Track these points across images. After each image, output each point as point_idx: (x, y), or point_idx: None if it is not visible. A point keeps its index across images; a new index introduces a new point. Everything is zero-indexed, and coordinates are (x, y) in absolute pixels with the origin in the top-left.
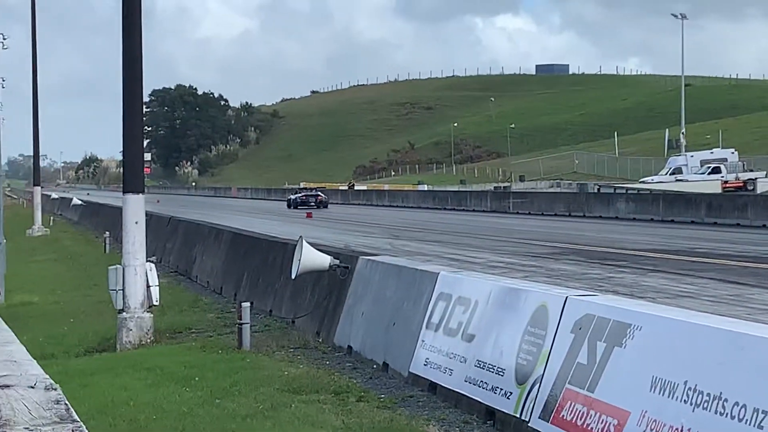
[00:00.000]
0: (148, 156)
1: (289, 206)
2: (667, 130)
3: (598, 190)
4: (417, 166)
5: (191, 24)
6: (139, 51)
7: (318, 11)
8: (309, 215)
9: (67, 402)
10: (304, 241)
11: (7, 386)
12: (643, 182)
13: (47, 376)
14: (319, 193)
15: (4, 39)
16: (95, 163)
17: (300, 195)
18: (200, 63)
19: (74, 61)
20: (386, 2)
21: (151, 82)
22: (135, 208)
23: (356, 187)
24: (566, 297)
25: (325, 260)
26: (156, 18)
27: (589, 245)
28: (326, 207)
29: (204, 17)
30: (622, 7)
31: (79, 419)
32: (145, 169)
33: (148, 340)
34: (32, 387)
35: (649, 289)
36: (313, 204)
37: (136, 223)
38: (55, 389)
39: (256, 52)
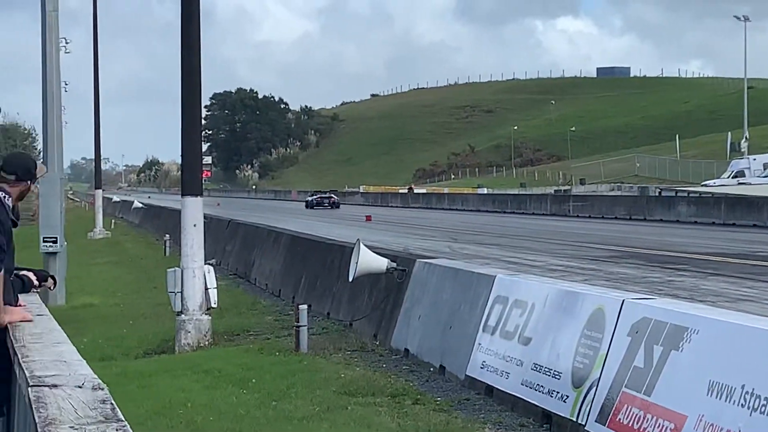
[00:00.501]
0: (208, 159)
1: (307, 207)
2: (729, 133)
3: (659, 193)
4: (477, 169)
5: (251, 27)
6: (198, 57)
7: (378, 14)
8: (368, 218)
9: (113, 402)
10: (361, 243)
11: (56, 386)
12: (705, 185)
13: (95, 377)
14: (332, 195)
15: (67, 43)
16: (156, 167)
17: (315, 197)
18: (260, 66)
19: (136, 64)
20: (446, 5)
21: (211, 86)
22: (193, 211)
23: (415, 191)
24: (623, 300)
25: (382, 263)
26: (216, 21)
27: (649, 248)
28: (338, 207)
29: (264, 20)
30: (684, 10)
31: (123, 419)
32: (205, 173)
33: (207, 342)
34: (80, 387)
35: (708, 292)
36: (327, 205)
37: (195, 225)
38: (102, 389)
39: (316, 54)
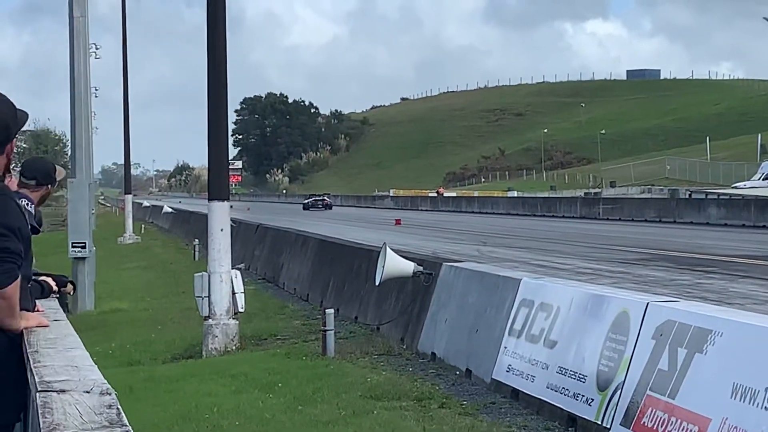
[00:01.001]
0: (239, 164)
1: (304, 208)
2: (759, 135)
3: (690, 195)
4: (507, 172)
5: (281, 31)
6: (224, 62)
7: (407, 17)
8: (398, 222)
9: (119, 407)
10: (387, 247)
11: (64, 391)
12: (736, 187)
13: (105, 381)
14: (325, 198)
15: (97, 49)
16: (187, 171)
17: (311, 200)
18: (290, 70)
19: (166, 69)
20: (475, 8)
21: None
22: (220, 216)
23: (445, 194)
24: (647, 303)
25: (408, 267)
26: (245, 26)
27: (679, 251)
28: (330, 208)
29: (293, 24)
30: (714, 11)
31: (127, 424)
32: (236, 177)
33: (234, 347)
34: (88, 392)
35: (737, 295)
36: (320, 206)
37: (222, 230)
38: (110, 394)
39: (345, 58)
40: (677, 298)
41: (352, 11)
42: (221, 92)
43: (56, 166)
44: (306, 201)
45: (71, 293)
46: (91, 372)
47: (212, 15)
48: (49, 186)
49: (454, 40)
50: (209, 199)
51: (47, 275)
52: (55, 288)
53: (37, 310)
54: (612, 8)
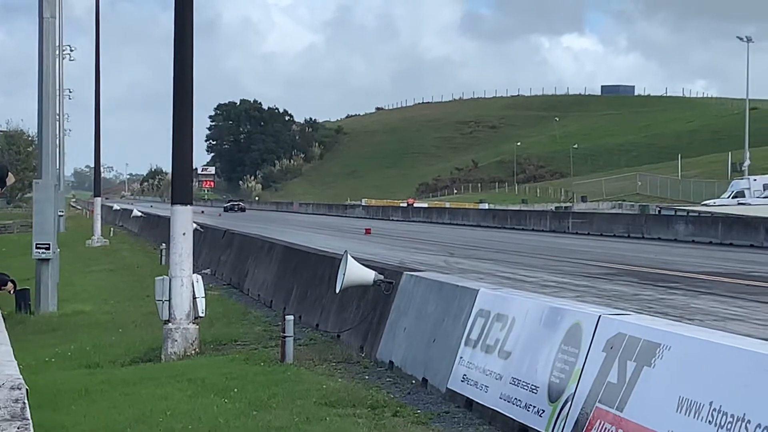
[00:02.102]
0: (212, 170)
1: (224, 211)
2: (729, 153)
3: (659, 211)
4: (480, 184)
5: (257, 38)
6: (190, 63)
7: (384, 28)
8: (368, 231)
9: (25, 401)
10: (349, 255)
11: None
12: (705, 205)
13: (20, 377)
14: (240, 203)
15: (71, 51)
16: (159, 176)
17: (229, 204)
18: (266, 77)
19: (140, 73)
20: (451, 20)
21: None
22: (182, 220)
23: (416, 205)
24: (599, 316)
25: (369, 275)
26: (222, 32)
27: (644, 267)
28: (244, 211)
29: (270, 31)
30: (689, 29)
31: (29, 418)
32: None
33: (193, 351)
34: None
35: (698, 311)
36: (236, 210)
37: (184, 234)
38: (20, 389)
39: (321, 67)
40: (630, 312)
41: (329, 20)
42: (186, 97)
43: (8, 170)
44: (225, 205)
45: (11, 292)
46: (8, 367)
47: (180, 20)
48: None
49: (430, 51)
50: (172, 203)
51: None
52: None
53: None
54: (588, 24)
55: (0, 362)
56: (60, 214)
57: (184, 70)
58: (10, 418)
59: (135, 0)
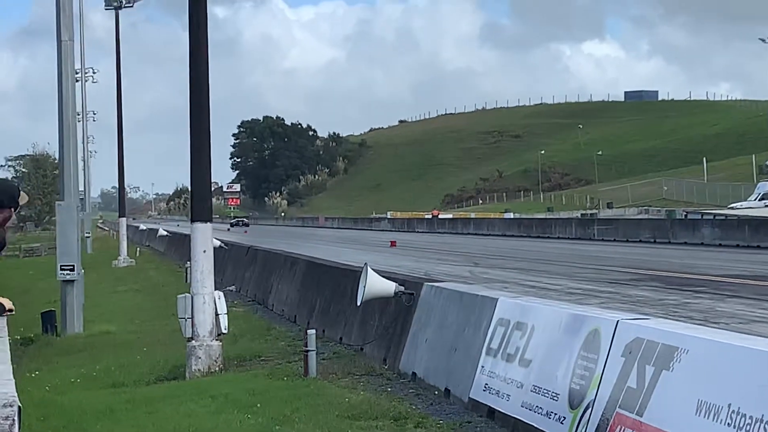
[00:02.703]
0: (237, 187)
1: (230, 227)
2: (755, 155)
3: (686, 216)
4: (505, 194)
5: (278, 54)
6: (206, 82)
7: (404, 40)
8: (393, 244)
9: (16, 419)
10: (369, 268)
11: None
12: (732, 208)
13: (15, 395)
14: (244, 219)
15: (94, 73)
16: (185, 195)
17: (234, 221)
18: (288, 93)
19: (164, 92)
20: (471, 31)
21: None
22: (203, 237)
23: (441, 216)
24: (617, 321)
25: (390, 287)
26: (243, 49)
27: (670, 271)
28: (248, 226)
29: (291, 47)
30: (711, 32)
31: None
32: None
33: (217, 368)
34: None
35: (723, 314)
36: (241, 225)
37: (204, 251)
38: (11, 406)
39: (343, 81)
40: (648, 317)
41: (349, 34)
42: (203, 115)
43: (21, 191)
44: (231, 221)
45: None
46: (5, 386)
47: (194, 41)
48: (12, 209)
49: (451, 63)
50: (192, 221)
51: None
52: (9, 307)
53: None
54: (609, 30)
55: None
56: (87, 235)
57: (200, 89)
58: None
59: (155, 21)
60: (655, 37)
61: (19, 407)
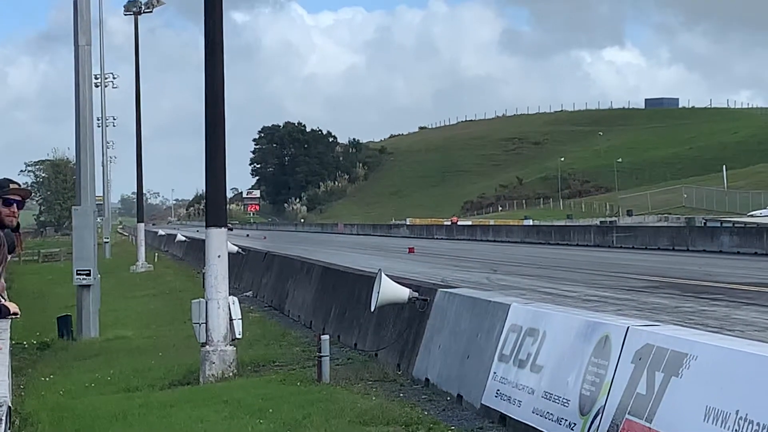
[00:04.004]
0: (257, 193)
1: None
2: None
3: (705, 224)
4: (525, 201)
5: (298, 60)
6: (221, 88)
7: (424, 47)
8: (411, 250)
9: (2, 418)
10: (383, 273)
11: None
12: (752, 216)
13: (6, 396)
14: (228, 224)
15: (114, 78)
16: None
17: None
18: (307, 99)
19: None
20: (491, 38)
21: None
22: (217, 242)
23: (460, 223)
24: (627, 327)
25: (403, 293)
26: (262, 55)
27: (687, 279)
28: (231, 230)
29: (310, 53)
30: (731, 40)
31: None
32: (254, 206)
33: (231, 373)
34: None
35: (739, 322)
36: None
37: (219, 256)
38: (0, 406)
39: (363, 87)
40: (659, 323)
41: (369, 40)
42: (218, 120)
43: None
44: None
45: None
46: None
47: (210, 46)
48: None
49: (471, 70)
50: (206, 226)
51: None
52: (15, 311)
53: None
54: (629, 37)
55: None
56: (105, 240)
57: (216, 96)
58: None
59: (173, 26)
60: (675, 44)
61: (9, 407)
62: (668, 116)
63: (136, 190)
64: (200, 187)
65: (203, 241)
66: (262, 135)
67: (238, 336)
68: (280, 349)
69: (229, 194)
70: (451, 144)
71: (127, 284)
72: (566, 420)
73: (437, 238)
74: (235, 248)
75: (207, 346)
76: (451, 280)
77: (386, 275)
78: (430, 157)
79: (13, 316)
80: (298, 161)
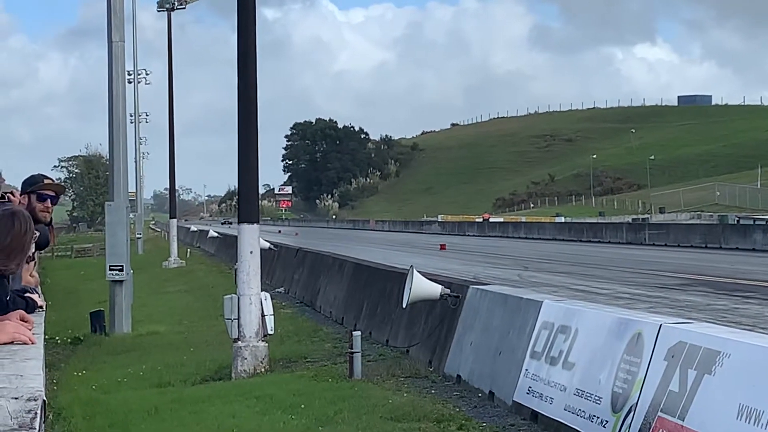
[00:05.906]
0: (288, 189)
1: (222, 224)
2: None
3: (738, 221)
4: (556, 198)
5: (329, 57)
6: (254, 84)
7: (454, 43)
8: (443, 247)
9: (38, 412)
10: (414, 270)
11: None
12: None
13: (41, 390)
14: (230, 220)
15: (147, 75)
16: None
17: (223, 221)
18: (339, 95)
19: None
20: (521, 34)
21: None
22: (250, 238)
23: (491, 220)
24: (660, 325)
25: (435, 289)
26: (293, 52)
27: (720, 276)
28: (231, 224)
29: (341, 50)
30: (764, 36)
31: (36, 428)
32: (286, 203)
33: (263, 369)
34: (16, 398)
35: None
36: (231, 224)
37: (251, 252)
38: (35, 400)
39: (394, 84)
40: (692, 321)
41: (399, 37)
42: (251, 117)
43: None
44: (222, 221)
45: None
46: (33, 380)
47: (243, 42)
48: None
49: (502, 66)
50: (239, 222)
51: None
52: (41, 303)
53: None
54: (660, 33)
55: (27, 375)
56: (138, 236)
57: (248, 92)
58: (18, 427)
59: (204, 22)
60: (707, 40)
61: (44, 401)
62: (701, 113)
63: (168, 186)
64: (232, 183)
65: (235, 237)
66: (294, 131)
67: (270, 332)
68: (312, 345)
69: (261, 190)
70: (483, 140)
71: (159, 280)
72: (598, 417)
73: (469, 235)
74: (267, 244)
75: (239, 342)
76: (482, 277)
77: (418, 272)
78: (461, 153)
79: (39, 310)
80: (330, 157)
